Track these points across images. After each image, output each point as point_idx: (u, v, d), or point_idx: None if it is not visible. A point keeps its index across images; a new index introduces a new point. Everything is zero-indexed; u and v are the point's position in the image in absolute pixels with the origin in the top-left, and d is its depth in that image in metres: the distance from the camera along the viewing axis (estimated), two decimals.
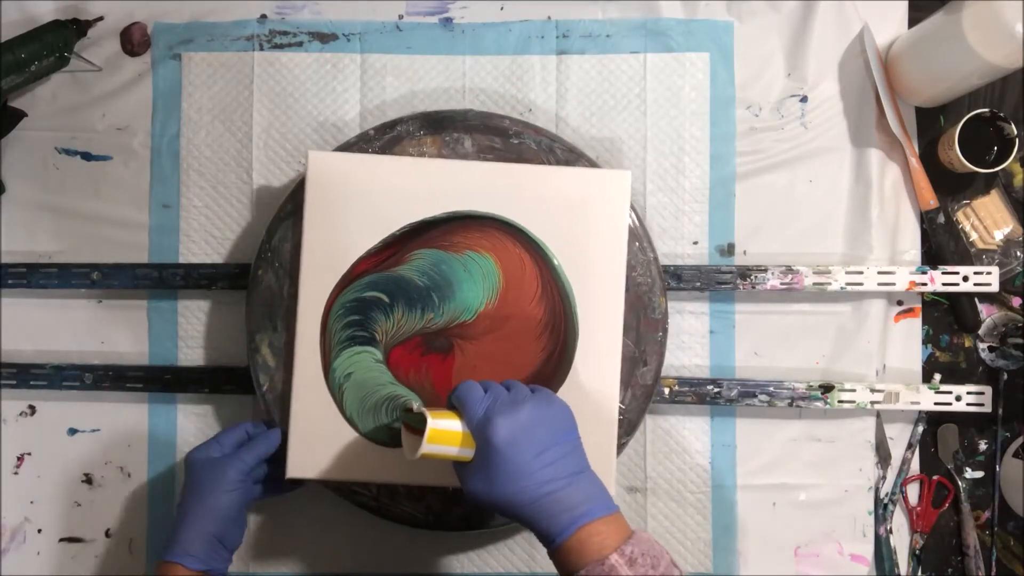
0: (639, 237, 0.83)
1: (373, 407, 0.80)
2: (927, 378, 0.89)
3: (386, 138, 0.84)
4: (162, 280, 0.88)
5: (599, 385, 0.79)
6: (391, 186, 0.80)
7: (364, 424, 0.80)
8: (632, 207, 0.82)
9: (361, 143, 0.84)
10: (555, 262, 0.80)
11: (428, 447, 0.66)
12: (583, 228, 0.80)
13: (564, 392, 0.79)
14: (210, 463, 0.77)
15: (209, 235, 0.90)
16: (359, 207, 0.80)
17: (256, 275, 0.84)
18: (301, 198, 0.81)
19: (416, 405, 0.70)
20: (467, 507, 0.82)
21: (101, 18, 0.91)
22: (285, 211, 0.84)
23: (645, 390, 0.83)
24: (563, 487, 0.63)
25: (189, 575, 0.73)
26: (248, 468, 0.77)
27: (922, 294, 0.90)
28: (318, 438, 0.80)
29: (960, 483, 0.89)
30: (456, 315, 0.81)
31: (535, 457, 0.63)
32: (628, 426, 0.83)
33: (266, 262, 0.83)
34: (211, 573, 0.74)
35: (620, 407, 0.81)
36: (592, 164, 0.84)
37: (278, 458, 0.80)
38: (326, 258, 0.80)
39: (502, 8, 0.91)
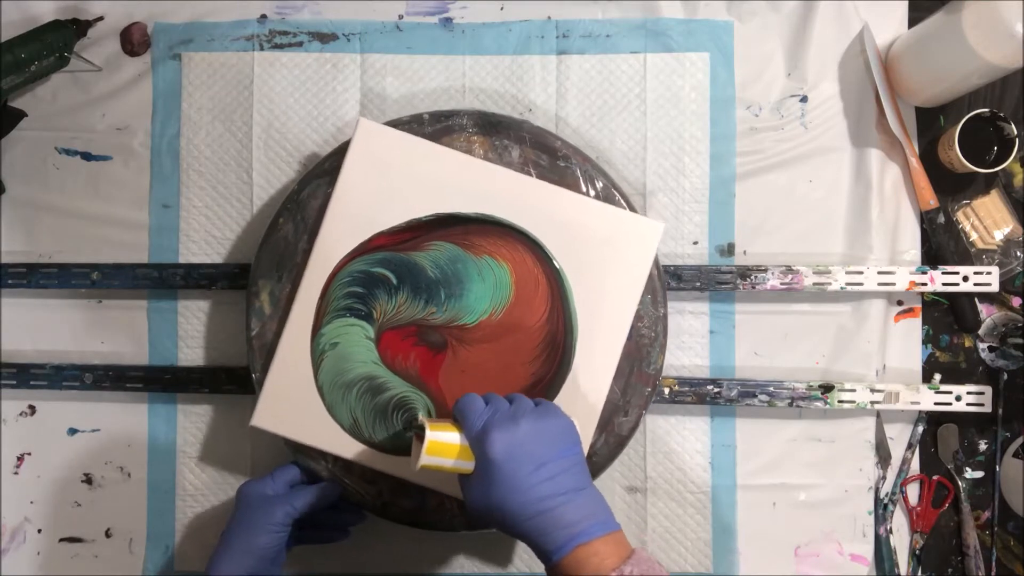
0: (655, 291, 0.82)
1: (346, 384, 0.80)
2: (927, 378, 0.89)
3: (438, 126, 0.83)
4: (162, 280, 0.88)
5: (577, 424, 0.77)
6: (430, 173, 0.80)
7: (331, 398, 0.80)
8: (656, 260, 0.82)
9: (413, 124, 0.83)
10: (569, 291, 0.80)
11: (427, 459, 0.66)
12: (603, 266, 0.80)
13: None
14: (261, 500, 0.77)
15: (209, 235, 0.90)
16: (393, 184, 0.80)
17: (276, 222, 0.83)
18: (340, 161, 0.81)
19: (420, 416, 0.70)
20: (469, 519, 0.82)
21: (101, 18, 0.91)
22: (321, 168, 0.83)
23: (619, 440, 0.83)
24: (562, 504, 0.62)
25: None
26: (297, 515, 0.76)
27: (922, 294, 0.90)
28: (288, 396, 0.80)
29: (960, 483, 0.89)
30: (458, 315, 0.80)
31: (532, 472, 0.62)
32: (595, 469, 0.82)
33: (289, 212, 0.83)
34: None
35: (592, 448, 0.81)
36: (629, 205, 0.83)
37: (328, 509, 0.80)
38: (348, 223, 0.80)
39: (502, 8, 0.91)
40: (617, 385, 0.82)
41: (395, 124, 0.83)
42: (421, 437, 0.67)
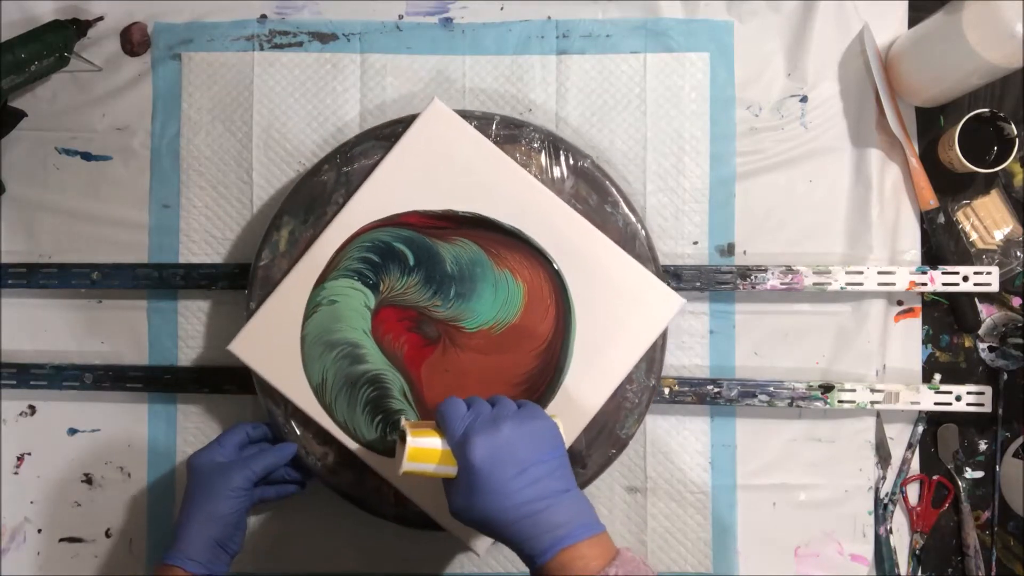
0: (652, 360, 0.82)
1: (328, 343, 0.80)
2: (927, 378, 0.89)
3: (504, 132, 0.83)
4: (162, 280, 0.88)
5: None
6: (481, 172, 0.80)
7: (310, 351, 0.80)
8: (665, 333, 0.82)
9: (482, 121, 0.83)
10: (572, 331, 0.80)
11: (409, 464, 0.66)
12: (613, 319, 0.80)
13: None
14: (215, 468, 0.77)
15: (209, 235, 0.90)
16: (443, 170, 0.80)
17: (321, 167, 0.83)
18: (401, 130, 0.81)
19: (404, 420, 0.70)
20: (455, 517, 0.81)
21: (101, 18, 0.91)
22: (381, 131, 0.83)
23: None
24: (545, 507, 0.61)
25: None
26: (256, 477, 0.77)
27: (922, 294, 0.90)
28: (271, 335, 0.80)
29: (960, 483, 0.89)
30: (459, 316, 0.80)
31: (514, 477, 0.62)
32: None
33: (336, 164, 0.83)
34: None
35: None
36: (658, 271, 0.82)
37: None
38: (387, 192, 0.80)
39: (502, 8, 0.91)
40: (585, 435, 0.81)
41: (465, 115, 0.83)
42: (405, 441, 0.67)
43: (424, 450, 0.66)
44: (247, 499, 0.77)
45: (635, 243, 0.83)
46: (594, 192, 0.83)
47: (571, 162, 0.83)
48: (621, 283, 0.80)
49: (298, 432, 0.82)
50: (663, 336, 0.82)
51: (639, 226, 0.83)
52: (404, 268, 0.80)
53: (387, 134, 0.83)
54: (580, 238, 0.80)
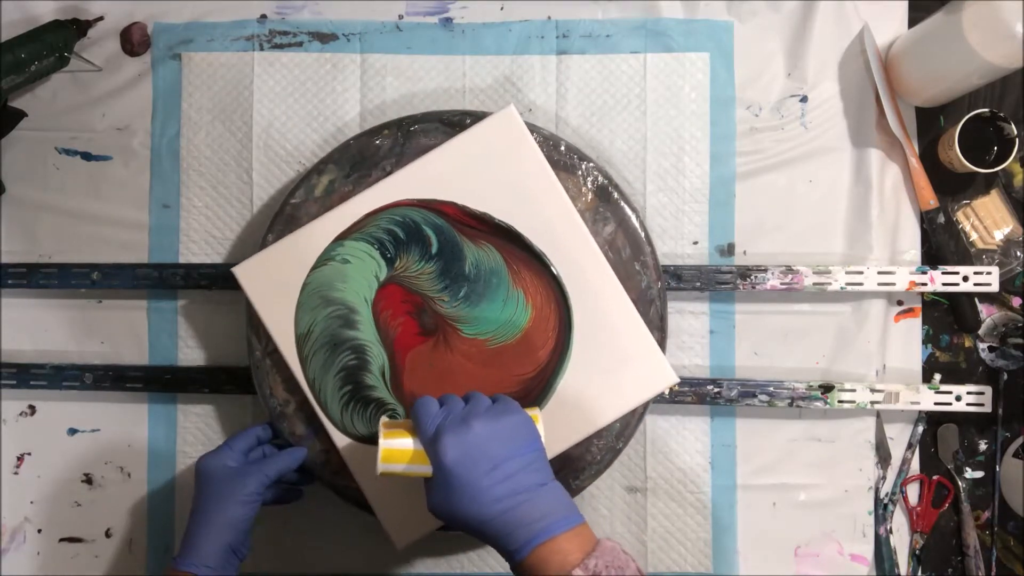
0: (628, 425, 0.81)
1: (326, 299, 0.80)
2: (927, 378, 0.89)
3: (563, 159, 0.82)
4: (162, 280, 0.88)
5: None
6: (530, 190, 0.79)
7: (306, 301, 0.80)
8: (647, 405, 0.81)
9: (548, 143, 0.83)
10: (561, 372, 0.79)
11: (384, 466, 0.65)
12: (602, 373, 0.79)
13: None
14: (228, 473, 0.76)
15: (209, 235, 0.90)
16: (495, 174, 0.80)
17: (381, 131, 0.84)
18: (465, 123, 0.82)
19: (382, 420, 0.70)
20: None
21: (101, 18, 0.91)
22: (449, 118, 0.83)
23: None
24: (521, 503, 0.61)
25: None
26: (269, 482, 0.76)
27: (922, 294, 0.90)
28: (276, 272, 0.80)
29: (960, 483, 0.89)
30: (460, 319, 0.80)
31: (486, 473, 0.61)
32: None
33: (395, 134, 0.83)
34: None
35: None
36: (662, 343, 0.82)
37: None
38: (435, 177, 0.80)
39: (502, 8, 0.91)
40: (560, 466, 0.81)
41: (534, 130, 0.82)
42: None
43: (397, 451, 0.65)
44: (259, 504, 0.76)
45: (650, 309, 0.82)
46: (629, 247, 0.83)
47: (620, 212, 0.83)
48: (625, 342, 0.79)
49: (269, 371, 0.82)
50: (644, 406, 0.82)
51: (662, 300, 0.82)
52: (425, 253, 0.80)
53: (454, 121, 0.83)
54: (601, 284, 0.80)
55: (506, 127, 0.80)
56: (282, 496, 0.81)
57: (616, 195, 0.83)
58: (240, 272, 0.80)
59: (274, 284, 0.80)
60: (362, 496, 0.81)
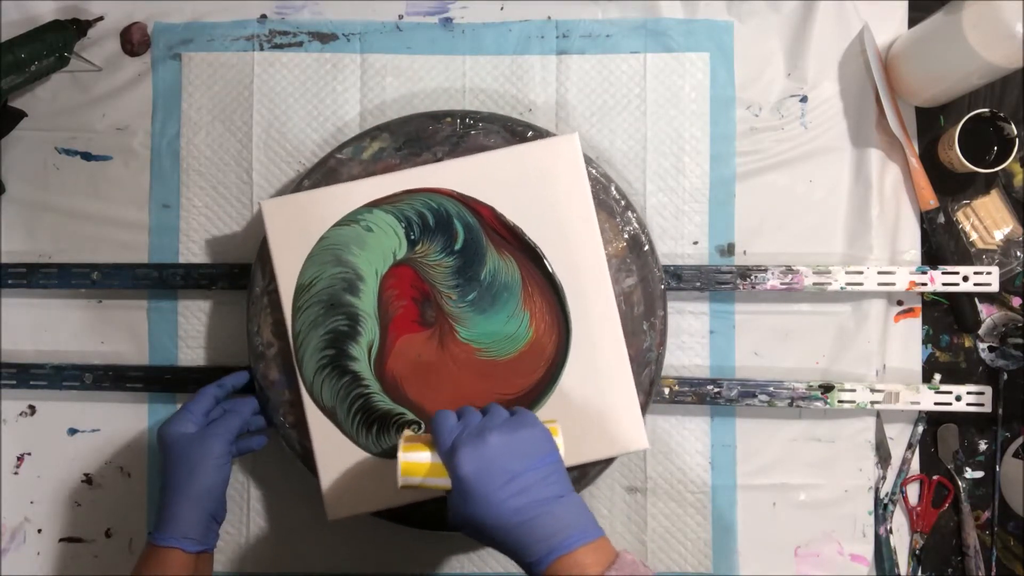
0: (586, 475, 0.81)
1: (338, 259, 0.80)
2: (927, 378, 0.89)
3: (608, 200, 0.83)
4: (162, 280, 0.88)
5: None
6: (567, 220, 0.80)
7: (319, 255, 0.80)
8: (609, 460, 0.81)
9: (600, 181, 0.83)
10: (542, 403, 0.79)
11: (405, 479, 0.66)
12: (579, 417, 0.79)
13: None
14: (193, 439, 0.74)
15: (209, 235, 0.90)
16: (538, 192, 0.80)
17: (443, 117, 0.84)
18: (529, 137, 0.83)
19: (404, 433, 0.70)
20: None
21: (101, 18, 0.91)
22: (512, 127, 0.84)
23: None
24: (538, 515, 0.61)
25: (187, 558, 0.71)
26: (233, 438, 0.76)
27: (922, 294, 0.90)
28: (299, 220, 0.80)
29: (960, 483, 0.89)
30: (461, 320, 0.80)
31: (502, 486, 0.61)
32: None
33: (456, 123, 0.84)
34: (205, 551, 0.73)
35: None
36: (644, 416, 0.82)
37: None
38: (486, 178, 0.80)
39: (502, 8, 0.91)
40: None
41: (590, 163, 0.83)
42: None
43: (416, 464, 0.66)
44: (229, 463, 0.76)
45: (643, 372, 0.83)
46: (644, 305, 0.83)
47: (645, 269, 0.83)
48: (612, 398, 0.79)
49: (263, 309, 0.83)
50: (606, 462, 0.82)
51: (655, 357, 0.83)
52: (448, 246, 0.80)
53: (516, 130, 0.84)
54: (605, 333, 0.80)
55: (565, 153, 0.80)
56: (247, 446, 0.81)
57: (647, 248, 0.83)
58: (267, 206, 0.80)
59: (294, 228, 0.80)
60: (311, 457, 0.81)
